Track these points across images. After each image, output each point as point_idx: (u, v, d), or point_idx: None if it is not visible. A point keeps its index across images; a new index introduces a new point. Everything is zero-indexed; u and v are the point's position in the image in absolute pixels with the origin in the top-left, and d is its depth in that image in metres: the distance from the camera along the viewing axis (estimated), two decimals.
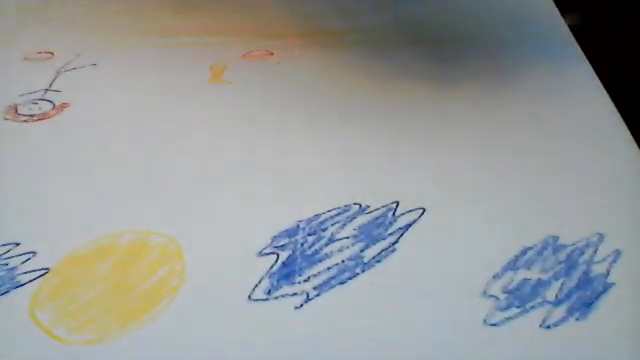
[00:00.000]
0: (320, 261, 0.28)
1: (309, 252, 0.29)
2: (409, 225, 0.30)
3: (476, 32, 0.44)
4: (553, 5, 0.47)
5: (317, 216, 0.30)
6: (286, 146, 0.35)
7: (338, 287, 0.27)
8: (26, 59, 0.43)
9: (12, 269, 0.28)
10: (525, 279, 0.27)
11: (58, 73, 0.41)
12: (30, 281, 0.28)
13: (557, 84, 0.39)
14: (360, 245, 0.29)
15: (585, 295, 0.27)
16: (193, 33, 0.46)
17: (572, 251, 0.28)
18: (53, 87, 0.40)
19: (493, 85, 0.39)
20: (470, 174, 0.32)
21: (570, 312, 0.26)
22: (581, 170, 0.32)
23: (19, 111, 0.38)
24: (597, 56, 0.41)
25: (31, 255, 0.29)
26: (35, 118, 0.37)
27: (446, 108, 0.37)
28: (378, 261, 0.28)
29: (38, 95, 0.39)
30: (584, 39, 0.43)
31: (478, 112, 0.37)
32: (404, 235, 0.29)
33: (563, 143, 0.34)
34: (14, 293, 0.27)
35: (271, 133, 0.36)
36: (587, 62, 0.41)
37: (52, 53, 0.44)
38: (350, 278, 0.27)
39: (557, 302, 0.26)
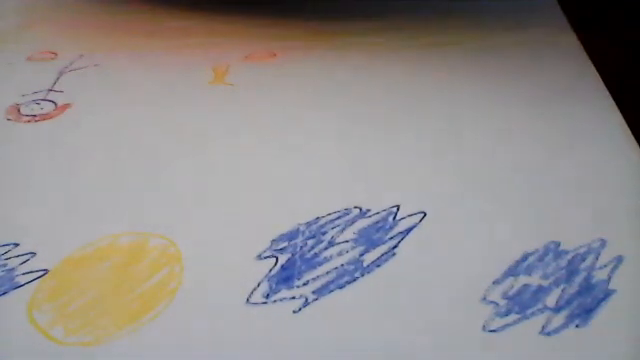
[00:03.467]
0: (319, 265, 0.28)
1: (308, 255, 0.28)
2: (410, 229, 0.30)
3: (480, 35, 0.44)
4: (557, 6, 0.47)
5: (317, 219, 0.30)
6: (286, 148, 0.35)
7: (337, 291, 0.27)
8: (29, 59, 0.43)
9: (11, 270, 0.28)
10: (525, 285, 0.27)
11: (61, 73, 0.41)
12: (29, 282, 0.27)
13: (560, 88, 0.38)
14: (360, 249, 0.29)
15: (586, 302, 0.26)
16: (196, 34, 0.46)
17: (573, 257, 0.28)
18: (56, 87, 0.40)
19: (495, 88, 0.39)
20: (471, 178, 0.32)
21: (570, 319, 0.26)
22: (583, 175, 0.32)
23: (21, 111, 0.38)
24: (602, 59, 0.41)
25: (30, 256, 0.28)
26: (37, 118, 0.37)
27: (448, 112, 0.37)
28: (378, 265, 0.28)
29: (41, 95, 0.39)
30: (588, 41, 0.42)
31: (480, 116, 0.36)
32: (404, 239, 0.29)
33: (565, 148, 0.34)
34: (12, 294, 0.27)
35: (272, 135, 0.36)
36: (592, 66, 0.40)
37: (55, 53, 0.44)
38: (349, 282, 0.27)
39: (557, 308, 0.26)
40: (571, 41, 0.43)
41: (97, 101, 0.39)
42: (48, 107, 0.38)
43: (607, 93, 0.38)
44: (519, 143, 0.34)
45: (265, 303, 0.26)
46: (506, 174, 0.33)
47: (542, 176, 0.32)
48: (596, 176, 0.32)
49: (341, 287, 0.27)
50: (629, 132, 0.35)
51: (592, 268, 0.28)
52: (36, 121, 0.37)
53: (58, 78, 0.41)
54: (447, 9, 0.47)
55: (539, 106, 0.37)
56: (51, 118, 0.37)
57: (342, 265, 0.28)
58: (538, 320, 0.26)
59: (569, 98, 0.37)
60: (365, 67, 0.41)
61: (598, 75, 0.39)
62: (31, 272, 0.28)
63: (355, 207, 0.31)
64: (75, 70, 0.42)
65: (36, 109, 0.38)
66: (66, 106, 0.38)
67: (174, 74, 0.41)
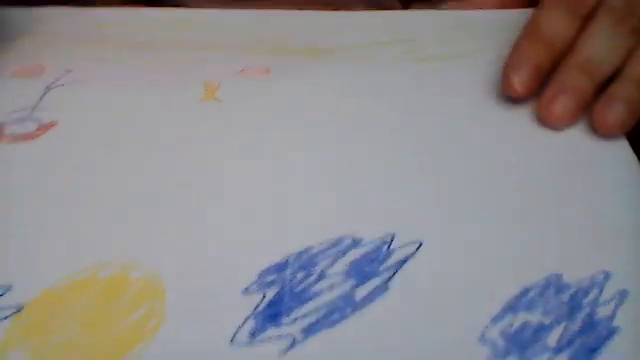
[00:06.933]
0: (309, 299, 0.27)
1: (297, 290, 0.27)
2: (404, 260, 0.28)
3: (479, 49, 0.42)
4: None
5: (307, 249, 0.29)
6: (277, 172, 0.33)
7: (326, 331, 0.25)
8: (14, 74, 0.42)
9: None
10: (525, 323, 0.26)
11: (47, 90, 0.40)
12: (5, 318, 0.26)
13: None
14: (351, 282, 0.27)
15: (589, 341, 0.25)
16: (188, 48, 0.44)
17: (576, 292, 0.27)
18: (41, 105, 0.39)
19: (492, 109, 0.37)
20: (470, 207, 0.31)
21: None
22: (586, 204, 0.31)
23: (5, 131, 0.37)
24: None
25: (6, 290, 0.27)
26: (19, 138, 0.36)
27: (446, 135, 0.35)
28: (370, 301, 0.27)
29: (25, 113, 0.38)
30: None
31: (479, 141, 0.35)
32: (398, 272, 0.28)
33: (567, 177, 0.33)
34: None
35: (262, 159, 0.34)
36: None
37: (42, 68, 0.42)
38: (339, 320, 0.26)
39: (559, 349, 0.25)
40: None
41: (83, 120, 0.37)
42: (31, 126, 0.37)
43: None
44: (520, 173, 0.33)
45: (250, 343, 0.25)
46: (506, 203, 0.31)
47: (543, 206, 0.31)
48: (599, 206, 0.31)
49: (331, 326, 0.26)
50: (635, 160, 0.33)
51: (595, 304, 0.26)
52: (18, 142, 0.36)
53: (44, 95, 0.40)
54: (445, 19, 0.46)
55: (541, 135, 0.35)
56: (33, 138, 0.36)
57: (333, 301, 0.27)
58: None
59: (573, 128, 0.35)
60: (362, 84, 0.40)
61: None
62: (6, 308, 0.26)
63: (347, 236, 0.29)
64: (61, 86, 0.40)
65: (19, 128, 0.37)
66: (51, 125, 0.37)
67: (163, 91, 0.40)
